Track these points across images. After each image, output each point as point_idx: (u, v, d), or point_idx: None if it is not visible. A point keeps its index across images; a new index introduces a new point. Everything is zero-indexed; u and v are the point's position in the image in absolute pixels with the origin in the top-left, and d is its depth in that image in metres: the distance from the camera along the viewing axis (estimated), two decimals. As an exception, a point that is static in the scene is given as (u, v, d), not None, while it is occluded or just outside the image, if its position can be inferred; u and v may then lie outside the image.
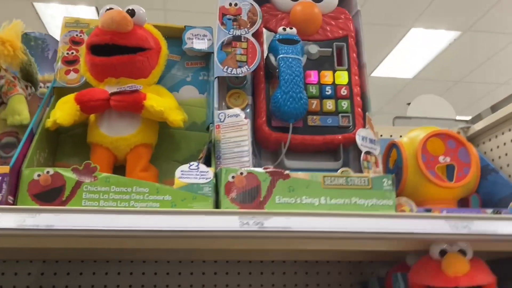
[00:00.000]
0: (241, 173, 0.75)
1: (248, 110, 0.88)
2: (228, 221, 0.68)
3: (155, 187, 0.73)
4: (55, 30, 4.58)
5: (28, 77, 0.90)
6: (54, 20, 4.46)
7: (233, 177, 0.75)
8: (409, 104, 6.29)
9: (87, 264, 1.12)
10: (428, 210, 0.98)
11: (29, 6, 4.22)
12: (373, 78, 5.57)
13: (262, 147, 0.90)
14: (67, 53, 0.89)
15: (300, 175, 0.77)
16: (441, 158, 1.07)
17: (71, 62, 0.89)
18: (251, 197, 0.75)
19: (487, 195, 1.17)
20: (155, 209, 0.70)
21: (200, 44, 0.93)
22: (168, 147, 0.91)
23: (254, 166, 0.87)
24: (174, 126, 0.82)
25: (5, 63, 0.82)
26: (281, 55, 0.84)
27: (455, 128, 1.37)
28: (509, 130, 1.20)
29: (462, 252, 0.80)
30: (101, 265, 1.12)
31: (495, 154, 1.25)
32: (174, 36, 0.96)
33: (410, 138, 1.11)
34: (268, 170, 0.76)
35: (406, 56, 5.17)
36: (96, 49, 0.82)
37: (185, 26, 0.95)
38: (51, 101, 0.85)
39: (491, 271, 0.82)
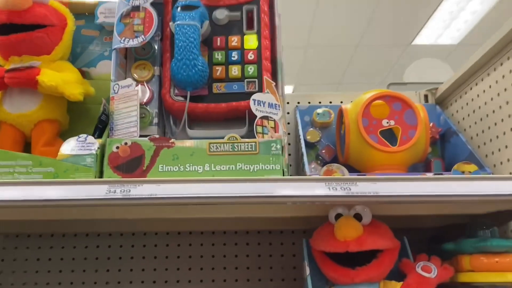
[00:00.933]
0: (126, 143, 0.76)
1: (153, 80, 0.88)
2: (96, 190, 0.69)
3: (38, 160, 0.75)
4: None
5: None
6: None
7: (117, 147, 0.76)
8: (457, 71, 5.96)
9: (45, 239, 1.18)
10: (362, 176, 0.94)
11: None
12: (414, 46, 5.33)
13: (174, 117, 0.90)
14: (-16, 36, 0.93)
15: (186, 143, 0.77)
16: (384, 122, 1.02)
17: (-14, 44, 0.92)
18: (134, 167, 0.75)
19: (451, 158, 1.11)
20: (30, 180, 0.72)
21: (112, 19, 0.94)
22: (85, 121, 0.93)
23: (168, 136, 0.87)
24: (72, 100, 0.83)
25: None
26: (176, 23, 0.83)
27: (423, 91, 1.29)
28: (470, 88, 1.12)
29: (358, 217, 0.76)
30: (58, 239, 1.17)
31: (460, 115, 1.17)
32: (92, 12, 0.97)
33: (355, 102, 1.06)
34: (152, 139, 0.76)
35: (447, 22, 4.90)
36: (1, 29, 0.85)
37: (98, 1, 0.96)
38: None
39: (395, 237, 0.78)
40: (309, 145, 1.15)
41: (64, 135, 0.89)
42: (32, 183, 0.70)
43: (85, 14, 0.96)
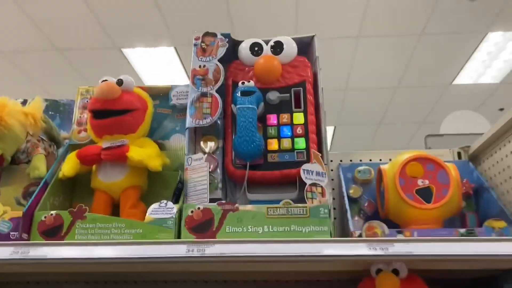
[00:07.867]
0: (199, 208, 0.92)
1: (218, 152, 1.05)
2: (177, 249, 0.85)
3: (129, 223, 0.92)
4: (142, 71, 5.11)
5: (51, 138, 1.15)
6: (140, 62, 4.97)
7: (191, 211, 0.92)
8: (501, 109, 5.95)
9: (119, 285, 1.35)
10: (400, 232, 1.06)
11: (118, 52, 4.76)
12: (455, 86, 5.40)
13: (235, 182, 1.06)
14: (79, 117, 1.14)
15: (248, 207, 0.92)
16: (419, 181, 1.14)
17: (82, 123, 1.13)
18: (206, 228, 0.91)
19: (484, 213, 1.22)
20: (124, 240, 0.89)
21: (182, 100, 1.13)
22: (160, 185, 1.10)
23: (229, 199, 1.03)
24: (153, 171, 1.01)
25: (30, 130, 1.09)
26: (237, 106, 1.01)
27: (456, 148, 1.41)
28: (504, 145, 1.22)
29: (396, 271, 0.89)
30: (130, 285, 1.34)
31: (492, 172, 1.28)
32: (165, 93, 1.16)
33: (392, 163, 1.19)
34: (220, 204, 0.92)
35: (487, 62, 4.98)
36: (95, 113, 1.05)
37: (171, 86, 1.15)
38: (67, 156, 1.09)
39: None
40: (352, 200, 1.28)
41: (143, 197, 1.07)
42: (126, 243, 0.87)
43: (160, 95, 1.16)
